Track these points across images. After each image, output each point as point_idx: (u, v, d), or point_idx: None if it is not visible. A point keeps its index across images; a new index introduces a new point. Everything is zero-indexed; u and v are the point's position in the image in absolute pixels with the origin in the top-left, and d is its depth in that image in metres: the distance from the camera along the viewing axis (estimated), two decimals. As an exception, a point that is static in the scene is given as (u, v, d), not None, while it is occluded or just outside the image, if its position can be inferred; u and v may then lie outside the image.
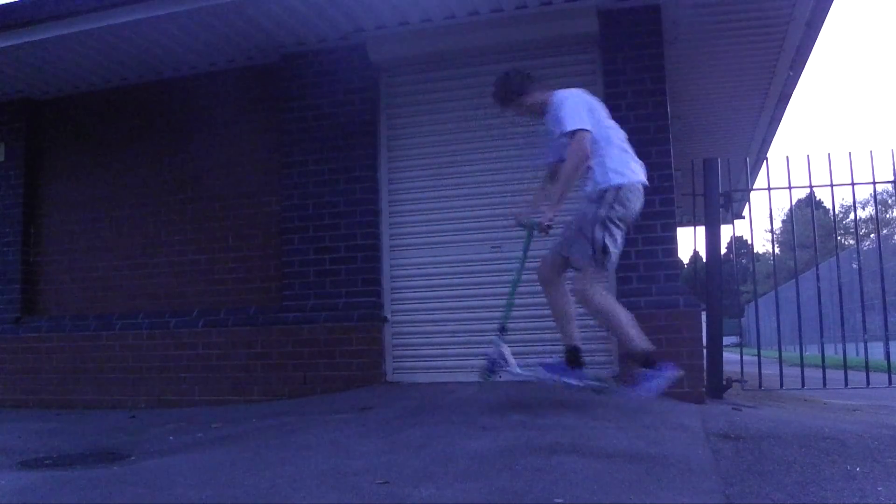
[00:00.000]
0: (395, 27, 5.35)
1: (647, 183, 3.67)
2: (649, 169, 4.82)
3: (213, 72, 6.01)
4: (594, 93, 5.10)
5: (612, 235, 3.50)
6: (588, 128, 3.50)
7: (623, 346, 3.52)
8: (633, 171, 3.58)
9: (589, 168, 3.58)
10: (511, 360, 3.79)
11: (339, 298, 5.34)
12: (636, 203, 3.59)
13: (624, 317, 3.50)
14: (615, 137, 3.63)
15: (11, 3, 5.28)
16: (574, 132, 3.49)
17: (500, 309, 5.12)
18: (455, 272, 5.30)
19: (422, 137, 5.50)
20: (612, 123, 3.70)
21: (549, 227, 3.67)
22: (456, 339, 5.24)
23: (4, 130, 6.46)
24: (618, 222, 3.51)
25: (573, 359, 3.69)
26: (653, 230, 4.78)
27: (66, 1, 5.06)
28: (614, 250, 3.54)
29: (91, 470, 3.06)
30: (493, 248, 5.26)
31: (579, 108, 3.55)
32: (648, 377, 3.35)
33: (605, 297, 3.59)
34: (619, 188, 3.50)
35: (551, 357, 3.95)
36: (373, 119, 5.48)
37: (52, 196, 6.41)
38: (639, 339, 3.44)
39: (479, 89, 5.42)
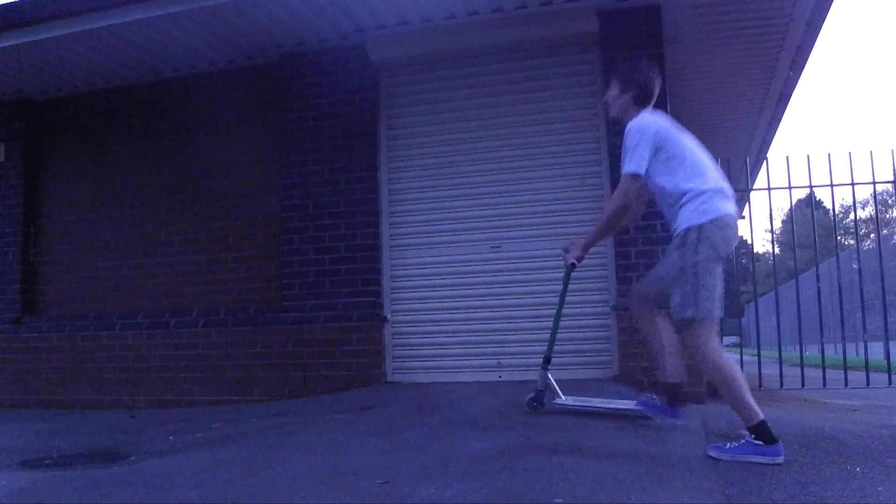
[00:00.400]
0: (396, 27, 5.35)
1: (734, 214, 3.17)
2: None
3: (212, 72, 6.01)
4: (593, 93, 5.17)
5: (702, 282, 3.03)
6: (640, 172, 3.15)
7: (738, 414, 3.00)
8: (715, 206, 3.10)
9: (663, 210, 3.29)
10: (557, 389, 3.77)
11: (339, 298, 5.34)
12: (727, 239, 3.10)
13: (742, 382, 2.98)
14: (690, 169, 3.16)
15: (11, 3, 5.28)
16: (625, 174, 3.18)
17: (500, 309, 5.17)
18: (455, 272, 5.30)
19: (422, 138, 5.50)
20: (686, 150, 3.20)
21: (574, 266, 3.55)
22: (456, 339, 5.24)
23: (4, 130, 6.46)
24: (709, 265, 3.06)
25: (671, 397, 3.38)
26: (652, 230, 4.78)
27: (66, 1, 5.06)
28: (709, 296, 3.05)
29: (91, 470, 3.06)
30: (493, 248, 5.26)
31: (642, 144, 3.15)
32: (747, 447, 2.88)
33: (721, 357, 3.05)
34: (700, 228, 3.05)
35: (646, 396, 3.67)
36: (373, 119, 5.48)
37: (52, 196, 6.41)
38: (756, 408, 2.93)
39: (479, 89, 5.43)
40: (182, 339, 5.61)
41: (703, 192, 3.12)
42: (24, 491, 2.68)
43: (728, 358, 3.10)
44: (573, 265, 3.59)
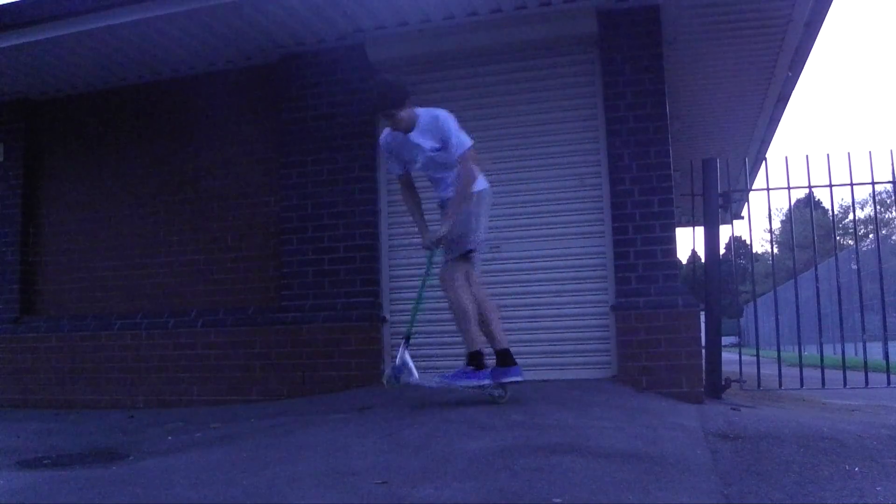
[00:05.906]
0: (394, 27, 5.34)
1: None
2: (648, 169, 4.87)
3: (211, 72, 6.00)
4: (592, 94, 5.18)
5: None
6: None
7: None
8: None
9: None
10: (412, 367, 3.98)
11: (338, 298, 5.34)
12: None
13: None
14: None
15: (11, 3, 5.28)
16: (468, 147, 3.87)
17: (499, 309, 5.16)
18: (454, 272, 5.29)
19: (421, 138, 5.49)
20: None
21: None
22: (455, 338, 5.22)
23: (4, 131, 6.45)
24: None
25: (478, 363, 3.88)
26: (652, 230, 4.78)
27: (66, 1, 5.05)
28: None
29: (89, 470, 3.06)
30: (492, 248, 5.25)
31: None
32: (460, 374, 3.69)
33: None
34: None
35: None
36: (372, 119, 5.47)
37: (51, 196, 6.41)
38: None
39: (479, 89, 5.43)
40: (181, 339, 5.61)
41: None
42: (23, 491, 2.68)
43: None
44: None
